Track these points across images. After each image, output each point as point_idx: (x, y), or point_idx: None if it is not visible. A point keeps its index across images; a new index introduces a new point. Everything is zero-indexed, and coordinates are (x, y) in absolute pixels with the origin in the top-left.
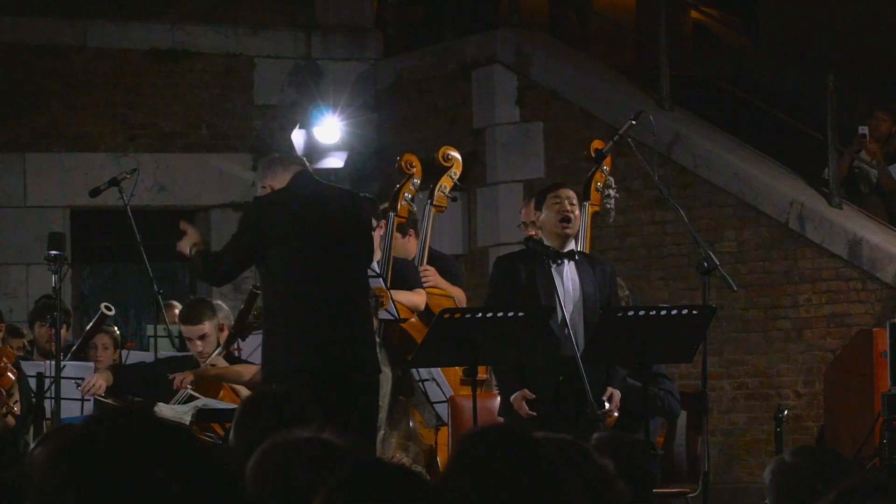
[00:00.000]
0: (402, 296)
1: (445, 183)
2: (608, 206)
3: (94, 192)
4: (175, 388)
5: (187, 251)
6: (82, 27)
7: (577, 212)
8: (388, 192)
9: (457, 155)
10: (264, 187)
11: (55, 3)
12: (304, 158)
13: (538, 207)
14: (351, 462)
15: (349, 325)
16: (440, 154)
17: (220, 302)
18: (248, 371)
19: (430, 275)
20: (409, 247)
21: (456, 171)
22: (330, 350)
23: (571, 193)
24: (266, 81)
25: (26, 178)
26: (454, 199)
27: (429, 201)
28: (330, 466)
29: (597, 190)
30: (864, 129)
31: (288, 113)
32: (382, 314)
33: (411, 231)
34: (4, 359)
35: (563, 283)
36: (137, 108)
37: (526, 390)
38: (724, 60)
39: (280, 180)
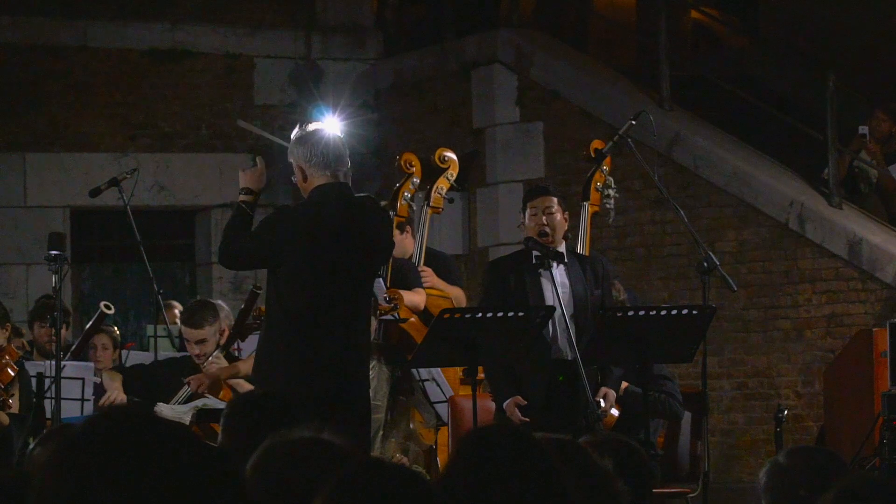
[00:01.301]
0: (403, 295)
1: (442, 184)
2: (608, 206)
3: (94, 192)
4: (192, 392)
5: (244, 184)
6: (82, 27)
7: (556, 220)
8: (387, 192)
9: (453, 156)
10: (300, 168)
11: (55, 3)
12: (338, 161)
13: (522, 211)
14: (351, 462)
15: (348, 357)
16: (436, 156)
17: (220, 302)
18: None
19: (427, 275)
20: (405, 244)
21: (452, 173)
22: (324, 381)
23: (550, 202)
24: (266, 81)
25: (26, 178)
26: (451, 201)
27: (425, 203)
28: (330, 466)
29: (596, 190)
30: (864, 129)
31: (288, 113)
32: (386, 315)
33: (408, 228)
34: (7, 356)
35: (553, 287)
36: (137, 108)
37: (518, 397)
38: (724, 60)
39: (311, 178)
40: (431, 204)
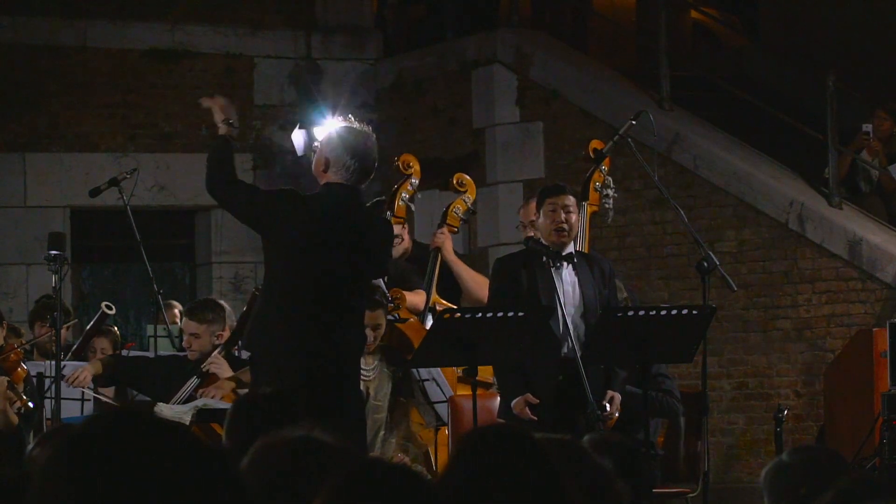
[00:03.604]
0: (405, 296)
1: (458, 206)
2: (606, 205)
3: (94, 192)
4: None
5: (220, 124)
6: (82, 27)
7: (573, 219)
8: (386, 193)
9: (470, 180)
10: (327, 159)
11: (55, 3)
12: (363, 175)
13: (538, 208)
14: (351, 462)
15: (339, 347)
16: (455, 179)
17: (221, 302)
18: None
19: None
20: (404, 243)
21: (470, 196)
22: (314, 367)
23: (569, 200)
24: (266, 81)
25: (26, 178)
26: (466, 221)
27: (441, 222)
28: (322, 464)
29: (595, 190)
30: (867, 127)
31: (288, 113)
32: (388, 316)
33: (405, 226)
34: (13, 355)
35: (562, 286)
36: (137, 108)
37: (529, 395)
38: (724, 60)
39: (330, 174)
40: (448, 222)
